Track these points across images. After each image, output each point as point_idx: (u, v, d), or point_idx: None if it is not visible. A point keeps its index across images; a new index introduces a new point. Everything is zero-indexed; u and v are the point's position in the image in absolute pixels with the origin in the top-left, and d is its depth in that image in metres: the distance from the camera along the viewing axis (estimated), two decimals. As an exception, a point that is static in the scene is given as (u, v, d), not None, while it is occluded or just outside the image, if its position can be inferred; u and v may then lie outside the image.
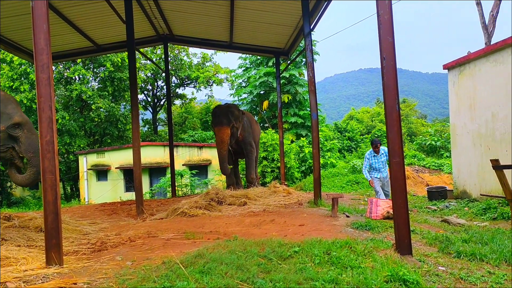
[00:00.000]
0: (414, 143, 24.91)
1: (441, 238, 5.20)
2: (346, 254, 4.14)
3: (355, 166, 16.73)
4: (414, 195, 11.87)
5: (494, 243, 4.91)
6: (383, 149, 8.40)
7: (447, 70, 10.18)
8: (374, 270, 3.76)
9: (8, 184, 25.07)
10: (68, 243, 5.72)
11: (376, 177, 8.49)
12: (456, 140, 10.07)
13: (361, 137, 29.97)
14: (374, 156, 8.53)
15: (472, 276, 3.86)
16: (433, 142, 21.56)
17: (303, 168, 18.66)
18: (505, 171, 5.64)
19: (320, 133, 21.39)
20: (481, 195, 8.04)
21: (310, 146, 17.28)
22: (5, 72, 22.21)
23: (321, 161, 19.42)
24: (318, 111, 26.53)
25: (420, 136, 24.99)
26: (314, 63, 9.24)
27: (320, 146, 20.56)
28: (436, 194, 10.10)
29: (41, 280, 3.80)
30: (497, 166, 5.62)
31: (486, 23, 18.21)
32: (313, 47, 24.10)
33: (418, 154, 20.08)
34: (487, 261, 4.34)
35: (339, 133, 28.70)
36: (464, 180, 9.77)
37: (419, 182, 15.32)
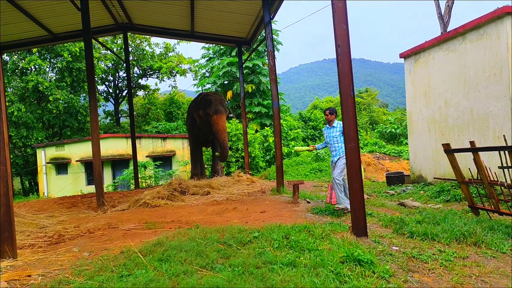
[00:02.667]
0: (375, 131, 25.57)
1: (396, 220, 5.39)
2: (304, 238, 4.24)
3: (319, 154, 17.00)
4: (374, 181, 12.21)
5: (446, 223, 5.12)
6: (339, 123, 6.61)
7: (403, 58, 10.47)
8: (330, 252, 3.87)
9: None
10: (24, 236, 5.56)
11: (331, 163, 6.84)
12: (412, 126, 10.41)
13: (325, 126, 30.44)
14: (327, 127, 6.80)
15: (423, 255, 4.02)
16: (393, 130, 22.20)
17: (268, 157, 18.79)
18: (459, 154, 5.89)
19: (284, 122, 21.60)
20: (434, 178, 8.37)
21: (274, 135, 17.42)
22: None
23: (285, 150, 19.63)
24: (282, 100, 26.66)
25: (381, 124, 25.66)
26: (277, 52, 9.29)
27: (284, 135, 20.84)
28: (394, 179, 10.44)
29: (-7, 274, 3.69)
30: (448, 150, 5.87)
31: (442, 13, 18.80)
32: (275, 37, 23.98)
33: (379, 141, 20.65)
34: (439, 240, 4.53)
35: (303, 123, 29.00)
36: (420, 165, 10.13)
37: (380, 169, 15.77)
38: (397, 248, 4.23)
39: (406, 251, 4.11)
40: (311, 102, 50.56)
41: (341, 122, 6.43)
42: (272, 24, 8.99)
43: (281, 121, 19.61)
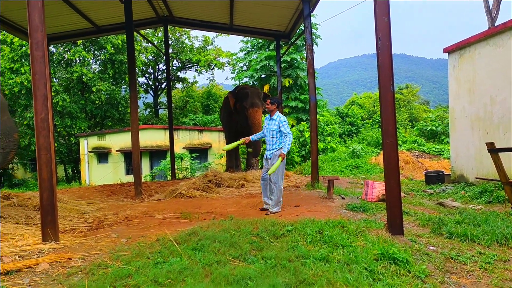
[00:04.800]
0: (415, 128, 24.84)
1: (434, 219, 5.24)
2: (338, 233, 4.20)
3: (355, 150, 16.73)
4: (412, 180, 11.90)
5: (487, 225, 4.93)
6: (280, 116, 6.13)
7: (447, 54, 10.11)
8: (364, 249, 3.81)
9: (10, 166, 25.21)
10: (66, 221, 5.80)
11: (264, 156, 6.33)
12: (454, 124, 10.05)
13: (362, 122, 29.89)
14: (267, 118, 6.28)
15: (462, 256, 3.90)
16: (434, 128, 21.50)
17: (303, 152, 18.65)
18: (504, 154, 5.65)
19: (321, 117, 21.37)
20: (476, 178, 8.05)
21: (310, 130, 17.24)
22: (5, 54, 22.12)
23: (321, 145, 19.44)
24: (320, 95, 26.33)
25: (421, 122, 24.93)
26: (316, 47, 9.18)
27: (320, 130, 20.61)
28: (434, 178, 10.13)
29: (37, 255, 3.87)
30: (492, 149, 5.63)
31: (490, 7, 18.00)
32: (314, 31, 23.73)
33: (419, 139, 20.06)
34: (479, 242, 4.38)
35: (340, 118, 28.61)
36: (462, 164, 9.78)
37: (419, 167, 15.34)
38: (434, 248, 4.11)
39: (443, 252, 3.99)
40: (349, 97, 49.81)
41: (282, 116, 6.13)
42: (311, 17, 8.89)
43: (318, 116, 19.41)
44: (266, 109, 6.27)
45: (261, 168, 13.09)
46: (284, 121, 6.09)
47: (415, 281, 3.21)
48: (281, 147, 6.04)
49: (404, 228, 4.45)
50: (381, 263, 3.51)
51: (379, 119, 28.86)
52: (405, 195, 8.24)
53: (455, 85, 9.89)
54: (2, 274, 3.34)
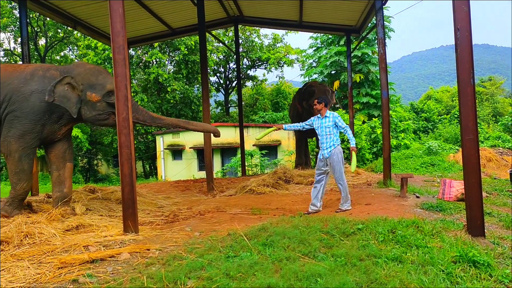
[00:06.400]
0: (499, 123, 23.12)
1: (520, 221, 4.87)
2: (412, 233, 4.04)
3: (431, 147, 15.92)
4: (495, 178, 11.10)
5: None
6: (332, 113, 6.06)
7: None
8: (441, 250, 3.64)
9: (95, 162, 27.22)
10: (144, 214, 6.17)
11: (319, 158, 6.16)
12: (545, 119, 9.21)
13: (439, 117, 28.37)
14: (318, 117, 6.15)
15: (552, 261, 3.59)
16: (520, 123, 19.87)
17: (375, 149, 18.14)
18: None
19: (393, 113, 20.64)
20: None
21: (383, 126, 16.67)
22: (90, 57, 23.87)
23: (394, 142, 18.77)
24: (392, 90, 25.51)
25: (506, 117, 23.13)
26: (388, 40, 8.89)
27: (393, 126, 19.90)
28: (521, 177, 9.36)
29: (119, 245, 4.16)
30: None
31: None
32: (387, 24, 22.96)
33: (503, 135, 18.63)
34: None
35: (414, 114, 27.38)
36: (554, 162, 8.95)
37: (503, 165, 14.25)
38: (520, 252, 3.82)
39: (531, 256, 3.70)
40: (424, 92, 47.51)
41: (334, 113, 5.97)
42: (383, 10, 8.60)
43: (390, 112, 18.74)
44: (314, 110, 6.20)
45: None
46: (338, 116, 6.05)
47: (497, 286, 3.01)
48: (339, 144, 5.99)
49: (485, 230, 4.18)
50: (460, 265, 3.33)
51: (458, 114, 27.28)
52: (488, 195, 7.71)
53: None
54: (88, 262, 3.63)
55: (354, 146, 6.08)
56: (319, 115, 6.13)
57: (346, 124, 6.27)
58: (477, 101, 4.36)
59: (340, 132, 6.05)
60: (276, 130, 6.65)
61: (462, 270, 3.25)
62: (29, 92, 5.37)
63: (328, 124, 5.98)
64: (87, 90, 5.57)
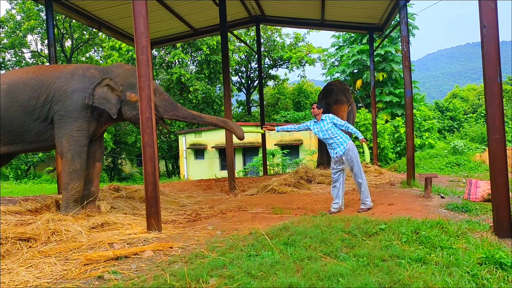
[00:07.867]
0: (527, 122, 22.50)
1: (550, 223, 4.72)
2: (437, 234, 3.98)
3: (457, 147, 15.60)
4: (524, 179, 10.80)
5: None
6: (326, 115, 6.13)
7: None
8: (467, 252, 3.57)
9: (119, 161, 27.71)
10: (167, 213, 6.25)
11: (333, 157, 6.08)
12: None
13: (465, 116, 27.75)
14: (315, 122, 6.18)
15: None
16: (551, 122, 19.28)
17: (398, 149, 17.89)
18: None
19: (417, 112, 20.31)
20: None
21: (406, 126, 16.41)
22: (115, 58, 24.32)
23: (418, 141, 18.47)
24: (416, 89, 25.09)
25: (536, 115, 22.48)
26: (412, 38, 8.75)
27: (417, 126, 19.59)
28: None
29: (142, 243, 4.23)
30: None
31: None
32: (411, 21, 22.63)
33: (532, 135, 18.11)
34: None
35: (439, 113, 26.87)
36: None
37: (532, 166, 13.87)
38: (549, 255, 3.71)
39: (561, 260, 3.59)
40: (449, 90, 46.52)
41: (329, 114, 6.09)
42: (407, 7, 8.48)
43: (414, 110, 18.44)
44: (311, 113, 6.26)
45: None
46: (334, 116, 6.11)
47: (525, 290, 2.94)
48: (349, 138, 6.01)
49: (512, 231, 4.08)
50: (486, 267, 3.26)
51: (484, 112, 26.62)
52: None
53: None
54: (112, 259, 3.70)
55: (362, 137, 6.10)
56: (315, 120, 6.20)
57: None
58: (504, 99, 4.26)
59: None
60: (265, 132, 6.73)
61: (488, 272, 3.18)
62: (71, 91, 5.48)
63: (327, 126, 6.02)
64: (126, 90, 5.67)
